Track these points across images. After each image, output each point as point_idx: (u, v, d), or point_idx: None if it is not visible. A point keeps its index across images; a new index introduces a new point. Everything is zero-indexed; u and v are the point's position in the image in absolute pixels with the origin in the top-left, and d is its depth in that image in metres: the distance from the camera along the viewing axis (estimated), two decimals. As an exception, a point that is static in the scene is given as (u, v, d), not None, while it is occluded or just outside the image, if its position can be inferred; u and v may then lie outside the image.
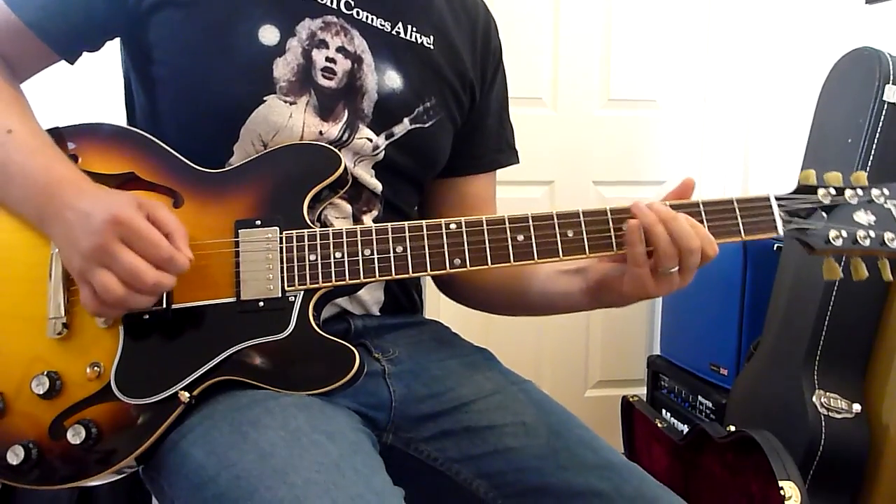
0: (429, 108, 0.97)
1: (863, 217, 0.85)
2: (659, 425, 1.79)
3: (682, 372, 2.13)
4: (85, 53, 0.92)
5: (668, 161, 2.44)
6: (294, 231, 0.82)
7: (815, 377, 1.58)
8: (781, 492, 1.32)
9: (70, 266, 0.77)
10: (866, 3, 1.86)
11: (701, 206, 0.83)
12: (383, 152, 0.94)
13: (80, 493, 1.50)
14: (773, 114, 2.26)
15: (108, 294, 0.73)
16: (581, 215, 0.83)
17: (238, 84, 0.87)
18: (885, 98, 1.52)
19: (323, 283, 0.81)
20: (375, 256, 0.82)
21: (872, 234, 0.84)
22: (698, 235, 0.80)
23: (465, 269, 0.82)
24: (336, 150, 0.87)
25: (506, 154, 1.11)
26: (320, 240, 0.82)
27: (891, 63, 1.54)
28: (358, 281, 0.82)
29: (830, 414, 1.54)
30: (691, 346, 2.12)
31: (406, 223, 0.83)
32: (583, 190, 2.38)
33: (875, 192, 0.85)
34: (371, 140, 0.93)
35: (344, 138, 0.91)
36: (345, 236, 0.82)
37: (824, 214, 0.85)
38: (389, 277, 0.82)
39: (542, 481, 0.86)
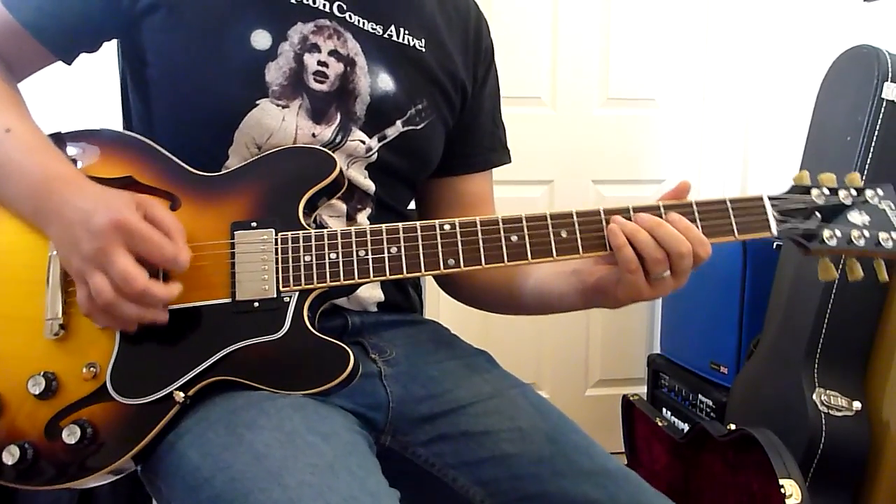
0: (421, 111, 0.97)
1: (857, 217, 0.84)
2: (659, 424, 1.79)
3: (682, 370, 2.13)
4: (83, 55, 0.92)
5: (667, 160, 2.44)
6: (289, 233, 0.82)
7: (816, 375, 1.58)
8: (782, 490, 1.32)
9: (69, 265, 0.77)
10: (865, 0, 1.86)
11: (694, 205, 0.83)
12: (376, 154, 0.94)
13: (80, 494, 1.50)
14: (772, 112, 2.25)
15: (100, 297, 0.74)
16: (574, 215, 0.83)
17: (230, 88, 0.87)
18: (883, 96, 1.52)
19: (318, 283, 0.81)
20: (370, 257, 0.82)
21: (867, 234, 0.84)
22: (689, 238, 0.79)
23: (459, 269, 0.82)
24: (331, 154, 0.87)
25: (499, 153, 1.11)
26: (315, 241, 0.82)
27: (889, 61, 1.54)
28: (353, 281, 0.82)
29: (831, 412, 1.54)
30: (691, 345, 2.12)
31: (400, 224, 0.83)
32: (582, 189, 2.38)
33: (869, 192, 0.85)
34: (364, 142, 0.93)
35: (337, 140, 0.91)
36: (339, 237, 0.82)
37: (818, 215, 0.84)
38: (384, 278, 0.82)
39: (537, 489, 0.86)
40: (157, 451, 0.80)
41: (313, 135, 0.89)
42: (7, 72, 0.90)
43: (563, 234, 0.83)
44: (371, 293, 0.98)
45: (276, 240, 0.82)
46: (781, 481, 1.33)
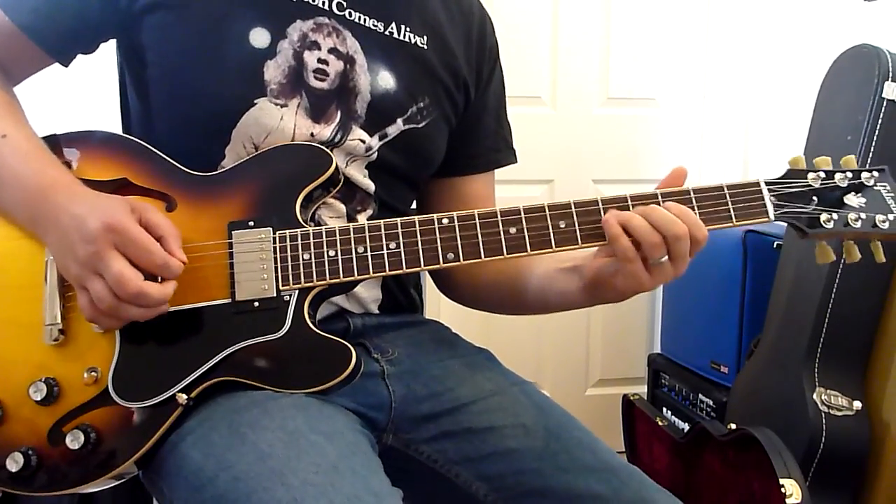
0: (422, 109, 0.97)
1: (853, 200, 0.85)
2: (660, 423, 1.79)
3: (682, 370, 2.13)
4: (80, 56, 0.92)
5: (667, 159, 2.44)
6: (287, 231, 0.82)
7: (816, 375, 1.58)
8: (782, 489, 1.32)
9: (66, 272, 0.77)
10: (865, 0, 1.86)
11: (692, 192, 0.83)
12: (376, 153, 0.94)
13: (80, 498, 1.49)
14: (772, 111, 2.26)
15: (101, 303, 0.74)
16: (573, 206, 0.83)
17: (228, 87, 0.87)
18: (884, 95, 1.52)
19: (317, 281, 0.81)
20: (369, 253, 0.82)
21: (863, 216, 0.84)
22: (685, 220, 0.79)
23: (458, 263, 0.82)
24: (327, 150, 0.87)
25: (504, 153, 1.10)
26: (313, 238, 0.82)
27: (890, 60, 1.54)
28: (352, 278, 0.82)
29: (831, 411, 1.54)
30: (692, 344, 2.12)
31: (399, 219, 0.83)
32: (582, 188, 2.38)
33: (865, 174, 0.85)
34: (364, 141, 0.93)
35: (336, 139, 0.91)
36: (338, 234, 0.82)
37: (815, 198, 0.85)
38: (383, 273, 0.82)
39: (541, 484, 0.85)
40: (159, 452, 0.79)
41: (312, 134, 0.89)
42: (3, 75, 0.89)
43: (562, 225, 0.83)
44: (371, 292, 0.97)
45: (274, 238, 0.82)
46: (782, 481, 1.33)
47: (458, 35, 1.02)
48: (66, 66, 0.92)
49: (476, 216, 0.83)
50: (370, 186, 0.95)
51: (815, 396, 1.55)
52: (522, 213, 0.83)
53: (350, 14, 0.93)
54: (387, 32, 0.95)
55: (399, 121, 0.95)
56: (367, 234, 0.82)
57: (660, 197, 0.82)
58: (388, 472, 0.75)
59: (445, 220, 0.83)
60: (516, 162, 1.12)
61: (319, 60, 0.90)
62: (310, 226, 0.83)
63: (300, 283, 0.81)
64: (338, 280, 0.82)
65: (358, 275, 0.82)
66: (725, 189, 0.83)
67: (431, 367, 0.95)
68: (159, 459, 0.80)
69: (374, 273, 0.82)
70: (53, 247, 0.79)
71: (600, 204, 0.83)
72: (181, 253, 0.77)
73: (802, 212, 0.84)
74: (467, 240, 0.82)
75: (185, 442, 0.77)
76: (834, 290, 1.55)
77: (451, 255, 0.82)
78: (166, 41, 0.88)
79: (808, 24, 2.09)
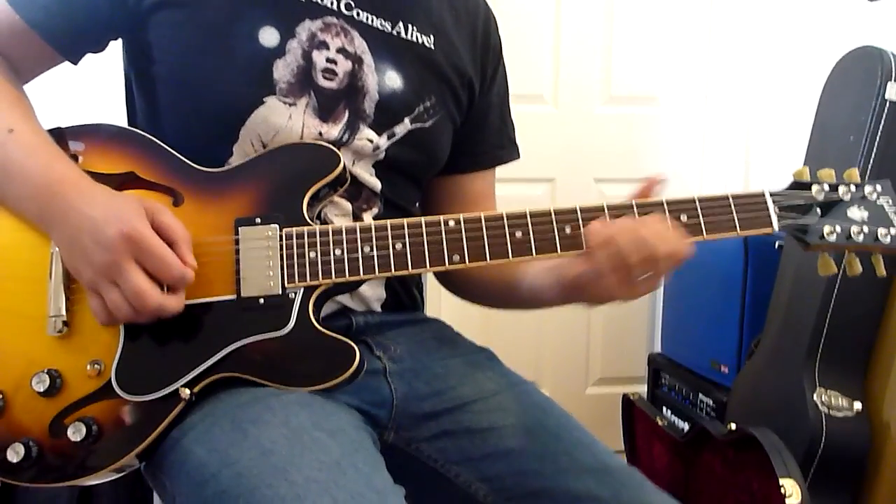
0: (429, 108, 0.97)
1: (856, 213, 0.86)
2: (660, 423, 1.79)
3: (682, 370, 2.13)
4: (88, 54, 0.92)
5: (669, 158, 2.44)
6: (294, 228, 0.82)
7: (816, 375, 1.58)
8: (782, 489, 1.32)
9: (78, 274, 0.78)
10: (869, 0, 1.86)
11: (697, 201, 0.84)
12: (384, 152, 0.94)
13: (80, 491, 1.50)
14: (774, 111, 2.25)
15: (118, 311, 0.75)
16: (578, 212, 0.83)
17: (237, 85, 0.87)
18: (887, 96, 1.52)
19: (323, 279, 0.81)
20: (375, 253, 0.82)
21: (866, 229, 0.85)
22: (668, 239, 0.78)
23: (463, 265, 0.82)
24: (335, 149, 0.87)
25: (507, 150, 1.11)
26: (320, 237, 0.82)
27: (893, 61, 1.54)
28: (358, 278, 0.82)
29: (831, 412, 1.54)
30: (692, 344, 2.12)
31: (405, 220, 0.83)
32: (584, 187, 2.38)
33: (868, 188, 0.87)
34: (372, 141, 0.93)
35: (344, 139, 0.91)
36: (344, 233, 0.82)
37: (819, 210, 0.86)
38: (389, 274, 0.82)
39: (541, 485, 0.86)
40: (161, 447, 0.80)
41: (320, 133, 0.89)
42: (12, 73, 0.89)
43: (567, 231, 0.83)
44: (375, 291, 0.98)
45: (281, 236, 0.82)
46: (781, 481, 1.33)
47: (463, 35, 1.02)
48: (76, 64, 0.92)
49: (482, 219, 0.83)
50: (376, 185, 0.95)
51: (815, 397, 1.55)
52: (529, 216, 0.83)
53: (358, 14, 0.93)
54: (394, 32, 0.95)
55: (406, 120, 0.95)
56: (373, 234, 0.82)
57: (665, 206, 0.83)
58: (390, 469, 0.76)
59: (452, 222, 0.83)
60: (519, 157, 1.12)
61: (328, 60, 0.90)
62: (316, 224, 0.84)
63: (306, 281, 0.81)
64: (343, 279, 0.82)
65: (363, 274, 0.82)
66: (730, 199, 0.84)
67: (433, 365, 0.96)
68: (161, 454, 0.80)
69: (379, 273, 0.82)
70: (62, 245, 0.79)
71: (606, 210, 0.83)
72: (192, 258, 0.78)
73: (806, 224, 0.85)
74: (473, 242, 0.83)
75: (188, 437, 0.77)
76: (835, 290, 1.56)
77: (456, 257, 0.83)
78: (174, 39, 0.88)
79: (812, 25, 2.09)
